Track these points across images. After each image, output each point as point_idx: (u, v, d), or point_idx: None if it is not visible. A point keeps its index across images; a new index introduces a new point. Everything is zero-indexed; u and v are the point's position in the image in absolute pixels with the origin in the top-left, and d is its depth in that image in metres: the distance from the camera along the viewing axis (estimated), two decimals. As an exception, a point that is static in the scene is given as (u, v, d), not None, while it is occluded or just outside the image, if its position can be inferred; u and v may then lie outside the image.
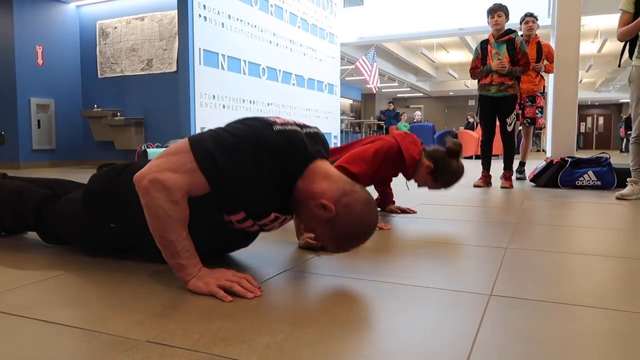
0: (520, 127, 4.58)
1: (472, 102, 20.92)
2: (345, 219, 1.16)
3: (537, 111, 4.37)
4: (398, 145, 2.16)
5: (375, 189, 2.56)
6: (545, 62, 4.62)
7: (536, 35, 4.58)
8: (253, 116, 1.24)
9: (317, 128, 1.33)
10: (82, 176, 4.35)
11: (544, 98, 4.49)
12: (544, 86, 4.53)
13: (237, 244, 1.44)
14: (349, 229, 1.17)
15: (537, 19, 4.57)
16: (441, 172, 2.18)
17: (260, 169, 1.13)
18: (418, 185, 2.28)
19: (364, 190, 1.21)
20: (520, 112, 4.40)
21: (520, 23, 4.62)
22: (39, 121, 6.86)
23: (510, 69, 3.86)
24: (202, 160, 1.11)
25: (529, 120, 4.39)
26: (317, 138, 1.28)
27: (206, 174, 1.11)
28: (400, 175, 2.31)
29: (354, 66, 10.87)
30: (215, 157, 1.11)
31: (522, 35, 4.34)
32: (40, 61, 6.90)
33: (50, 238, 1.61)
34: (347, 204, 1.15)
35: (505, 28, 3.97)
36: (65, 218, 1.50)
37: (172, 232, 1.11)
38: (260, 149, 1.13)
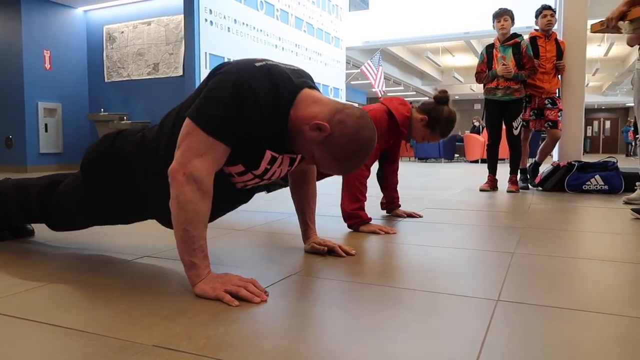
0: (532, 131, 4.40)
1: (477, 106, 20.89)
2: (342, 134, 1.18)
3: (558, 114, 4.20)
4: (387, 110, 2.19)
5: (382, 191, 2.56)
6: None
7: (553, 31, 4.27)
8: (231, 61, 1.26)
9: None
10: (88, 180, 4.35)
11: (561, 101, 4.34)
12: (558, 89, 4.39)
13: (236, 201, 1.46)
14: (347, 144, 1.19)
15: (555, 12, 4.21)
16: (436, 120, 2.21)
17: (258, 105, 1.15)
18: (417, 142, 2.32)
19: (357, 107, 1.25)
20: (532, 116, 4.24)
21: (537, 17, 4.24)
22: (46, 125, 6.91)
23: (516, 73, 3.85)
24: (212, 130, 1.13)
25: (550, 123, 4.15)
26: (300, 72, 1.31)
27: (223, 140, 1.13)
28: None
29: (359, 70, 10.88)
30: (220, 119, 1.13)
31: (537, 30, 4.24)
32: (47, 65, 6.95)
33: (56, 224, 1.63)
34: (341, 120, 1.18)
35: (511, 32, 3.96)
36: (67, 197, 1.52)
37: (196, 228, 1.13)
38: (251, 88, 1.14)
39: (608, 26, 2.64)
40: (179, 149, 1.16)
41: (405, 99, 2.37)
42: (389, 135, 2.23)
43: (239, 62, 1.22)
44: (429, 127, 2.22)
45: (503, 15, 3.92)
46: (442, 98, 2.23)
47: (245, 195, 1.44)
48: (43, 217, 1.62)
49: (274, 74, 1.20)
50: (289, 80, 1.22)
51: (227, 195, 1.35)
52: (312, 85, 1.30)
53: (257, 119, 1.16)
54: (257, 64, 1.20)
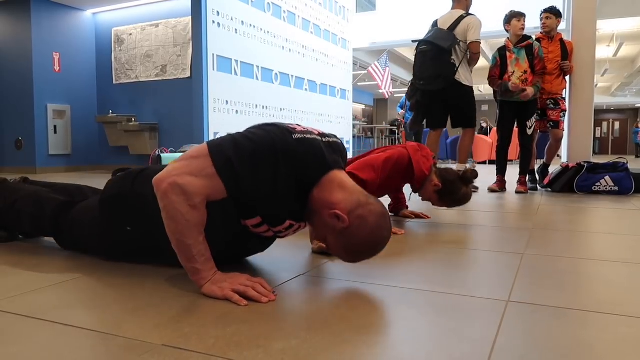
0: (538, 132, 4.39)
1: (485, 107, 20.77)
2: (358, 230, 1.15)
3: (561, 114, 4.20)
4: (409, 156, 2.15)
5: (388, 194, 2.54)
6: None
7: (558, 32, 4.27)
8: (274, 122, 1.24)
9: (336, 137, 1.33)
10: (97, 181, 4.41)
11: (565, 101, 4.32)
12: (564, 89, 4.36)
13: (254, 248, 1.44)
14: (361, 241, 1.17)
15: (554, 14, 4.16)
16: (448, 194, 2.18)
17: (276, 176, 1.13)
18: (422, 199, 2.28)
19: (379, 202, 1.20)
20: (536, 117, 4.25)
21: (540, 20, 4.25)
22: (55, 127, 6.96)
23: (536, 85, 3.87)
24: (221, 166, 1.11)
25: (552, 123, 4.16)
26: (335, 147, 1.28)
27: (224, 180, 1.12)
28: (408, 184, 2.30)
29: (366, 71, 10.87)
30: (233, 163, 1.11)
31: (542, 33, 4.23)
32: (57, 68, 7.01)
33: (67, 243, 1.63)
34: (361, 216, 1.15)
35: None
36: (82, 224, 1.51)
37: (189, 237, 1.12)
38: (277, 157, 1.13)
39: None
40: (176, 163, 1.14)
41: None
42: (401, 181, 2.22)
43: (280, 129, 1.18)
44: (438, 194, 2.19)
45: (524, 16, 3.93)
46: (468, 179, 2.19)
47: (261, 244, 1.42)
48: (54, 234, 1.62)
49: (308, 150, 1.17)
50: (321, 157, 1.19)
51: (242, 238, 1.33)
52: (342, 166, 1.28)
53: (264, 190, 1.14)
54: (295, 137, 1.17)
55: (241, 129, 1.23)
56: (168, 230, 1.13)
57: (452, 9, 3.99)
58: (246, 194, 1.15)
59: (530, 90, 3.83)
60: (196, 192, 1.10)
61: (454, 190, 2.17)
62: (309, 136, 1.19)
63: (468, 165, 3.69)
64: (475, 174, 2.20)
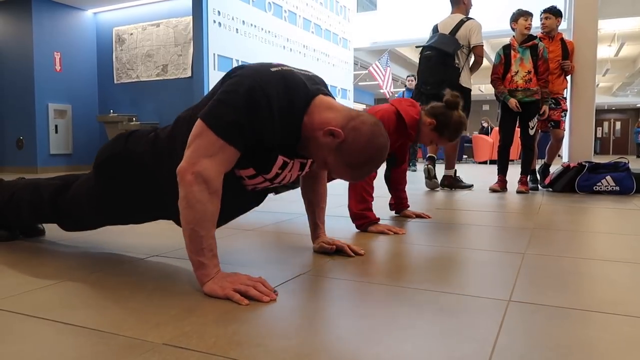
0: (539, 132, 4.39)
1: (486, 107, 20.76)
2: (355, 142, 1.18)
3: (562, 114, 4.21)
4: (395, 111, 2.16)
5: (390, 192, 2.55)
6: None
7: (559, 32, 4.29)
8: (246, 65, 1.26)
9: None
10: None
11: (565, 101, 4.32)
12: (565, 89, 4.36)
13: (248, 204, 1.46)
14: (360, 151, 1.19)
15: (554, 14, 4.16)
16: (444, 125, 2.17)
17: (270, 111, 1.15)
18: (425, 145, 2.28)
19: (370, 115, 1.25)
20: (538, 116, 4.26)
21: (541, 19, 4.26)
22: (56, 126, 6.97)
23: (545, 99, 3.91)
24: (223, 132, 1.13)
25: (552, 123, 4.17)
26: (316, 79, 1.32)
27: (233, 143, 1.14)
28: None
29: (367, 71, 10.87)
30: (231, 123, 1.13)
31: (542, 33, 4.23)
32: (58, 67, 7.02)
33: (68, 224, 1.64)
34: (355, 127, 1.18)
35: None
36: (80, 197, 1.53)
37: (203, 227, 1.13)
38: (265, 95, 1.14)
39: None
40: (188, 149, 1.16)
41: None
42: (396, 136, 2.20)
43: (254, 67, 1.22)
44: (436, 131, 2.18)
45: (531, 15, 3.94)
46: (453, 103, 2.18)
47: (256, 199, 1.44)
48: (55, 218, 1.62)
49: (289, 80, 1.20)
50: (304, 86, 1.22)
51: (239, 198, 1.35)
52: (327, 92, 1.30)
53: (269, 126, 1.16)
54: (273, 69, 1.20)
55: None
56: (184, 220, 1.14)
57: (452, 12, 4.01)
58: (252, 140, 1.16)
59: (546, 109, 3.96)
60: (215, 176, 1.13)
61: (448, 120, 2.17)
62: (285, 68, 1.23)
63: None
64: (455, 96, 2.20)
